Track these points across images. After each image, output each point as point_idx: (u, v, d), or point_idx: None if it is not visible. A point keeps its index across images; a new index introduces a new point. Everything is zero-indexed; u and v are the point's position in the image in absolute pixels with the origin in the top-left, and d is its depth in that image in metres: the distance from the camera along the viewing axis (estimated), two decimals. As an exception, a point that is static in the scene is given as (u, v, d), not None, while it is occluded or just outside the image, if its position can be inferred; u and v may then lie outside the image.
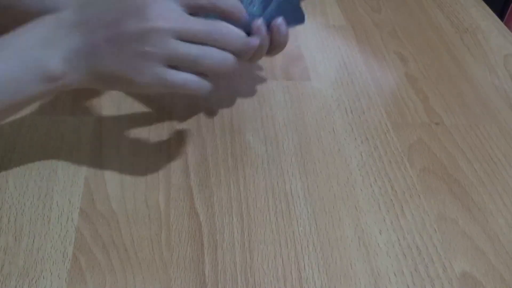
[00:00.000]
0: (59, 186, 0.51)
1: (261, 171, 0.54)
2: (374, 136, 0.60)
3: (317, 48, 0.72)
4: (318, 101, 0.64)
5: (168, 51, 0.44)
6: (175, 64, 0.45)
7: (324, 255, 0.48)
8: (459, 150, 0.59)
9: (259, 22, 0.49)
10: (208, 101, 0.62)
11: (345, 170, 0.55)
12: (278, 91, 0.64)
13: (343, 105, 0.64)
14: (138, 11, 0.43)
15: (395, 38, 0.76)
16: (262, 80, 0.66)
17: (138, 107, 0.60)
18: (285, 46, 0.52)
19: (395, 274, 0.47)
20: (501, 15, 1.34)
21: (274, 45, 0.52)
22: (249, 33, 0.49)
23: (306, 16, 0.54)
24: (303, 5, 0.54)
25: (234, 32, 0.46)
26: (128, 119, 0.58)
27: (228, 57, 0.46)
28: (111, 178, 0.52)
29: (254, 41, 0.49)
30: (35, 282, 0.43)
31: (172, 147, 0.56)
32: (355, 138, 0.59)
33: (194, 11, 0.46)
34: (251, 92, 0.64)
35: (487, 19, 0.83)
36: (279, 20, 0.50)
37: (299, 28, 0.75)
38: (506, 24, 0.84)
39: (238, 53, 0.47)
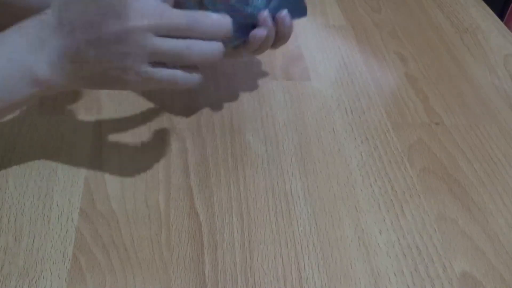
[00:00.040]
0: (59, 186, 0.51)
1: (261, 171, 0.54)
2: (374, 136, 0.60)
3: (317, 48, 0.72)
4: (318, 101, 0.64)
5: (149, 49, 0.43)
6: (159, 60, 0.44)
7: (324, 255, 0.48)
8: (459, 150, 0.59)
9: (266, 14, 0.50)
10: (208, 101, 0.62)
11: (345, 170, 0.55)
12: (278, 91, 0.64)
13: (343, 105, 0.64)
14: (115, 11, 0.42)
15: (395, 38, 0.76)
16: (262, 80, 0.66)
17: (138, 107, 0.60)
18: (289, 38, 0.53)
19: (395, 274, 0.47)
20: (501, 15, 1.34)
21: (279, 36, 0.52)
22: (254, 25, 0.50)
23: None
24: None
25: (216, 22, 0.44)
26: (128, 119, 0.58)
27: (213, 47, 0.44)
28: (111, 178, 0.52)
29: (262, 32, 0.50)
30: (35, 282, 0.43)
31: (172, 147, 0.56)
32: (355, 138, 0.59)
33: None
34: (251, 92, 0.64)
35: (487, 19, 0.83)
36: (284, 12, 0.51)
37: (299, 28, 0.75)
38: (506, 24, 0.84)
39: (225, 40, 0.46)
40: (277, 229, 0.49)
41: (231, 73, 0.66)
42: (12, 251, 0.45)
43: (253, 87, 0.65)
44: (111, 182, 0.52)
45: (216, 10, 0.46)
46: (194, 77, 0.45)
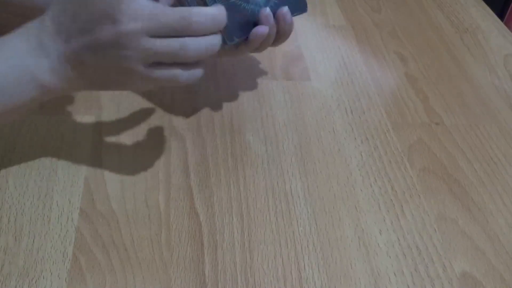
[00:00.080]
0: (59, 186, 0.51)
1: (261, 171, 0.54)
2: (374, 136, 0.60)
3: (317, 48, 0.72)
4: (318, 101, 0.64)
5: (145, 51, 0.42)
6: (157, 60, 0.43)
7: (324, 255, 0.48)
8: (459, 150, 0.59)
9: (267, 11, 0.50)
10: (208, 101, 0.62)
11: (345, 170, 0.55)
12: (278, 91, 0.64)
13: (343, 105, 0.64)
14: (107, 15, 0.41)
15: (395, 38, 0.76)
16: (262, 80, 0.66)
17: (138, 107, 0.60)
18: (289, 34, 0.53)
19: (395, 274, 0.47)
20: (501, 15, 1.34)
21: (280, 34, 0.52)
22: (255, 22, 0.50)
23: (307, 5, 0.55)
24: None
25: (209, 17, 0.43)
26: (128, 119, 0.58)
27: (209, 43, 0.44)
28: (111, 178, 0.52)
29: (264, 29, 0.50)
30: (35, 282, 0.43)
31: (172, 147, 0.56)
32: (355, 138, 0.59)
33: None
34: (251, 92, 0.64)
35: (487, 19, 0.83)
36: (285, 9, 0.51)
37: (299, 28, 0.75)
38: (506, 24, 0.84)
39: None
40: (277, 229, 0.49)
41: (231, 73, 0.66)
42: (12, 251, 0.45)
43: (253, 87, 0.65)
44: (111, 182, 0.52)
45: None
46: (194, 73, 0.45)
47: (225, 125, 0.59)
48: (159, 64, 0.44)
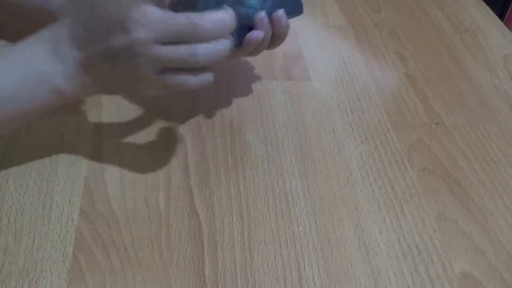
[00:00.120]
0: (59, 186, 0.51)
1: (261, 171, 0.54)
2: (374, 136, 0.60)
3: (317, 48, 0.72)
4: (318, 101, 0.64)
5: (156, 58, 0.43)
6: (168, 67, 0.44)
7: (324, 255, 0.48)
8: (459, 150, 0.59)
9: (262, 15, 0.49)
10: (208, 101, 0.62)
11: (345, 170, 0.55)
12: (278, 91, 0.64)
13: (343, 105, 0.64)
14: (119, 24, 0.42)
15: (395, 38, 0.76)
16: (262, 80, 0.66)
17: (138, 107, 0.60)
18: (285, 38, 0.52)
19: (395, 274, 0.47)
20: (501, 15, 1.34)
21: (275, 37, 0.52)
22: (250, 26, 0.49)
23: (303, 7, 0.54)
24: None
25: (217, 23, 0.43)
26: (128, 119, 0.58)
27: (218, 48, 0.44)
28: (111, 178, 0.52)
29: (258, 34, 0.49)
30: (35, 282, 0.43)
31: (172, 147, 0.56)
32: (355, 138, 0.59)
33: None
34: (251, 92, 0.64)
35: (487, 19, 0.83)
36: (280, 12, 0.50)
37: (299, 28, 0.75)
38: (506, 24, 0.84)
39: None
40: (277, 229, 0.49)
41: (231, 73, 0.66)
42: (12, 251, 0.45)
43: (253, 87, 0.65)
44: (111, 182, 0.52)
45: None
46: (204, 78, 0.45)
47: (225, 125, 0.59)
48: (169, 70, 0.44)
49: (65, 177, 0.51)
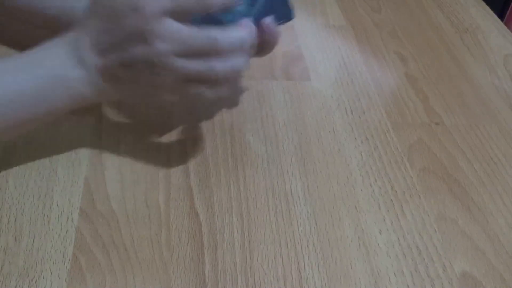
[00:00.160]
0: (59, 186, 0.51)
1: (261, 171, 0.54)
2: (374, 136, 0.60)
3: (317, 48, 0.72)
4: (318, 101, 0.64)
5: (174, 70, 0.44)
6: (185, 79, 0.45)
7: (324, 255, 0.48)
8: (459, 150, 0.59)
9: (245, 23, 0.47)
10: (208, 101, 0.62)
11: (345, 170, 0.55)
12: (278, 91, 0.64)
13: (343, 105, 0.64)
14: (140, 35, 0.42)
15: (395, 38, 0.76)
16: (262, 80, 0.66)
17: (138, 107, 0.60)
18: (275, 45, 0.51)
19: (395, 274, 0.47)
20: (501, 15, 1.34)
21: (264, 44, 0.50)
22: None
23: (294, 12, 0.52)
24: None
25: (237, 40, 0.44)
26: (128, 119, 0.58)
27: (237, 63, 0.45)
28: (111, 178, 0.52)
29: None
30: (35, 282, 0.43)
31: (172, 147, 0.56)
32: (355, 138, 0.59)
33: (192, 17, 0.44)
34: (251, 92, 0.64)
35: (487, 19, 0.83)
36: (268, 19, 0.48)
37: (299, 28, 0.75)
38: (506, 24, 0.84)
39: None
40: (277, 229, 0.49)
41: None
42: (12, 251, 0.45)
43: (253, 87, 0.65)
44: (111, 182, 0.52)
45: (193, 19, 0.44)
46: (221, 91, 0.46)
47: (225, 125, 0.59)
48: (188, 81, 0.45)
49: (65, 177, 0.51)
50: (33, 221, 0.48)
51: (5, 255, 0.45)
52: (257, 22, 0.48)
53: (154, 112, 0.59)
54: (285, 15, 0.52)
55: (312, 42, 0.73)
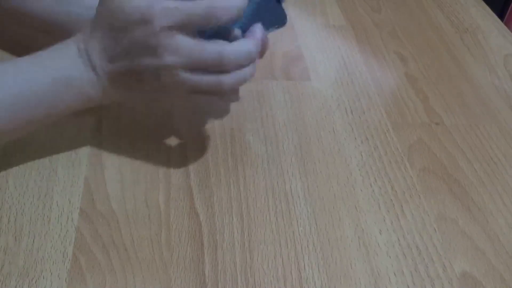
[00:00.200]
0: (59, 186, 0.51)
1: (261, 171, 0.54)
2: (374, 136, 0.60)
3: (317, 48, 0.72)
4: (318, 101, 0.64)
5: (183, 83, 0.44)
6: (194, 91, 0.46)
7: (324, 255, 0.48)
8: (459, 150, 0.59)
9: (236, 32, 0.47)
10: (208, 101, 0.62)
11: (345, 170, 0.55)
12: (278, 91, 0.64)
13: (343, 105, 0.64)
14: (148, 47, 0.43)
15: (395, 38, 0.76)
16: (262, 80, 0.66)
17: (138, 107, 0.60)
18: (264, 52, 0.49)
19: (395, 274, 0.47)
20: (501, 15, 1.34)
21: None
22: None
23: (287, 17, 0.52)
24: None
25: (244, 55, 0.44)
26: (128, 119, 0.58)
27: (243, 76, 0.45)
28: (111, 178, 0.52)
29: None
30: (35, 282, 0.43)
31: (172, 147, 0.56)
32: (355, 138, 0.59)
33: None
34: (251, 92, 0.64)
35: (487, 19, 0.83)
36: (257, 26, 0.47)
37: (299, 28, 0.75)
38: (506, 24, 0.84)
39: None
40: (277, 229, 0.49)
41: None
42: (12, 251, 0.45)
43: (253, 87, 0.65)
44: (111, 182, 0.52)
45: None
46: (230, 99, 0.49)
47: (225, 125, 0.59)
48: (194, 92, 0.46)
49: (65, 177, 0.51)
50: (33, 221, 0.48)
51: (5, 255, 0.45)
52: (248, 26, 0.47)
53: (154, 112, 0.60)
54: (278, 20, 0.51)
55: (312, 42, 0.73)
